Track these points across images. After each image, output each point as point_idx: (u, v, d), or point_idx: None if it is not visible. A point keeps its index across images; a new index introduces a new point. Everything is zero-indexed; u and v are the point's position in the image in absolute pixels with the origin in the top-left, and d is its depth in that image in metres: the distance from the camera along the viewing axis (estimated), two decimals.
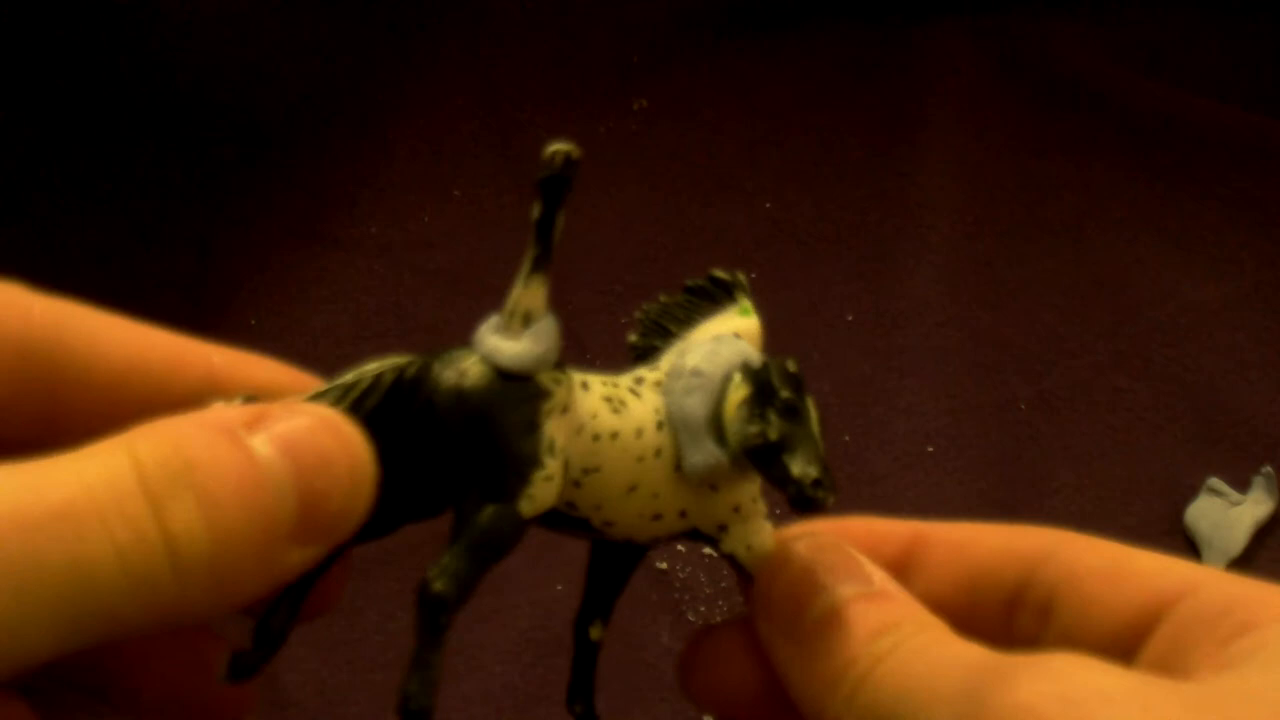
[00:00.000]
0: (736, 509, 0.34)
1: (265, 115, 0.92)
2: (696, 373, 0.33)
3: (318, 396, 0.29)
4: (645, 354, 0.35)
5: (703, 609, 0.61)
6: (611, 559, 0.35)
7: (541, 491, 0.31)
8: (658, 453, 0.33)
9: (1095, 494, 0.67)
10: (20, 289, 0.24)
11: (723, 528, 0.34)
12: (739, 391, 0.32)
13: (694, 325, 0.35)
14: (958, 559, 0.32)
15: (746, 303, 0.36)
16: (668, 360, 0.34)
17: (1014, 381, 0.74)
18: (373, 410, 0.30)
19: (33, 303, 0.25)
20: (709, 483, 0.33)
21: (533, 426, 0.31)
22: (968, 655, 0.28)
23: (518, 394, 0.30)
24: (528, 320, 0.31)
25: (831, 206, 0.90)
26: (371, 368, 0.30)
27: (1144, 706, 0.24)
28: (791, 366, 0.32)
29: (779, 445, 0.31)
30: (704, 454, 0.33)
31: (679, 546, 0.64)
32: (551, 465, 0.31)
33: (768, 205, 0.90)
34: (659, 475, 0.33)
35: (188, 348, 0.27)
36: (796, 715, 0.31)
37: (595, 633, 0.35)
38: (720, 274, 0.36)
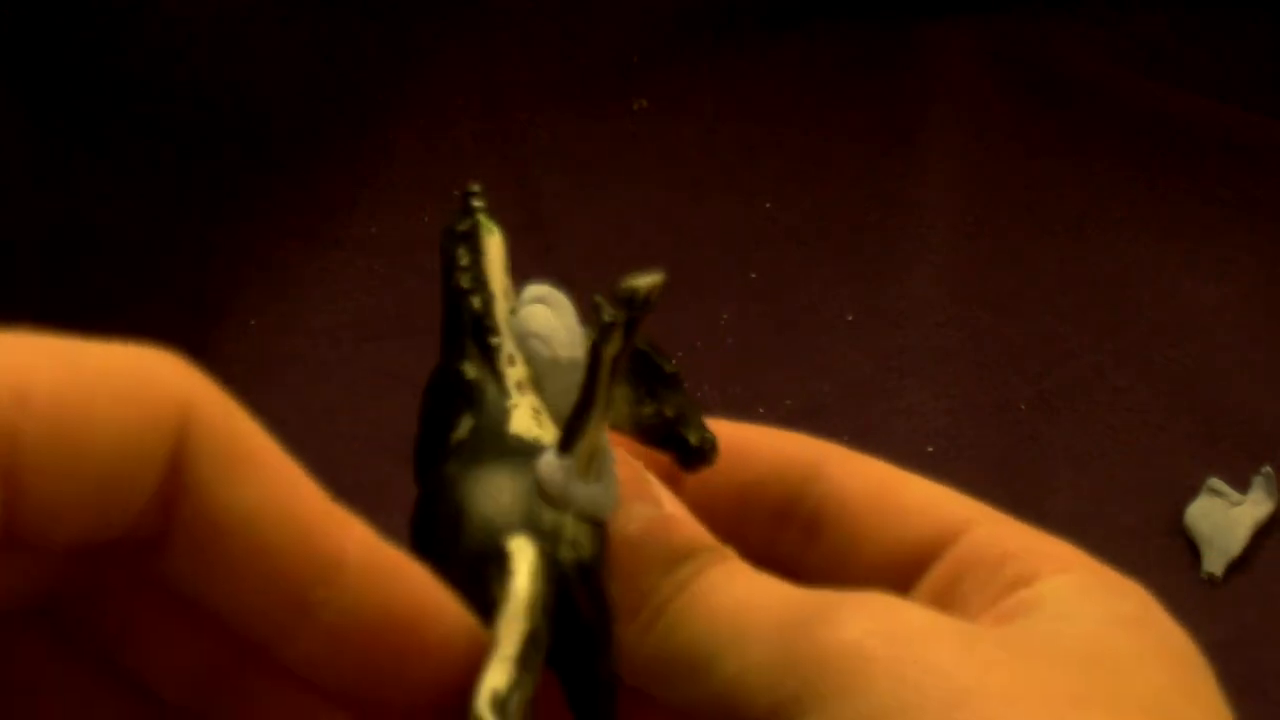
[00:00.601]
0: None
1: (265, 115, 0.92)
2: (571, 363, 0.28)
3: (514, 687, 0.23)
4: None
5: None
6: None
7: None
8: None
9: (1095, 494, 0.67)
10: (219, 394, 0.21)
11: None
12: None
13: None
14: (725, 467, 0.29)
15: (480, 217, 0.30)
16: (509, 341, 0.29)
17: (1014, 381, 0.74)
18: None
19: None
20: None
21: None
22: (776, 590, 0.26)
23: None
24: (592, 462, 0.26)
25: (831, 206, 0.90)
26: (523, 601, 0.24)
27: (967, 645, 0.24)
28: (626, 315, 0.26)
29: (675, 421, 0.28)
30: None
31: None
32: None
33: (767, 205, 0.90)
34: None
35: (331, 520, 0.23)
36: None
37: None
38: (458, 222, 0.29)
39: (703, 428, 0.28)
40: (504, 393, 0.28)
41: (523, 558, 0.25)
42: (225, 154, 0.89)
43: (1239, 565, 0.63)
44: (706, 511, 0.29)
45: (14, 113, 0.79)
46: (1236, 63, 1.02)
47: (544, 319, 0.28)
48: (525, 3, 1.08)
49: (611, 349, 0.25)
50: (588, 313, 0.28)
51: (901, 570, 0.29)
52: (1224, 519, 0.63)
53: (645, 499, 0.28)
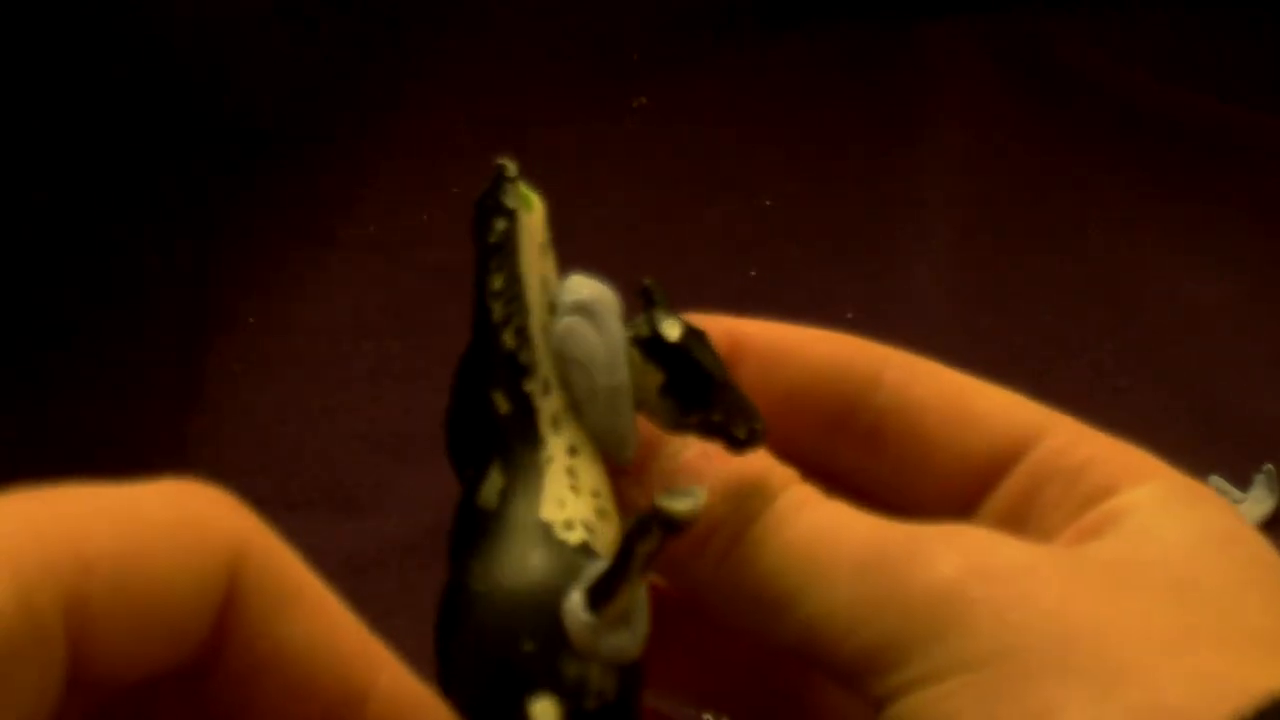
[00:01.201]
0: None
1: (265, 114, 0.92)
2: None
3: None
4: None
5: None
6: None
7: None
8: None
9: None
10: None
11: None
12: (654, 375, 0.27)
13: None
14: (776, 371, 0.28)
15: (522, 189, 0.28)
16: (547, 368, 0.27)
17: (1014, 381, 0.74)
18: None
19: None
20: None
21: None
22: (856, 523, 0.25)
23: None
24: (626, 615, 0.25)
25: (831, 206, 0.90)
26: None
27: (1068, 581, 0.23)
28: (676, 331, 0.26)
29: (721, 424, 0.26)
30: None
31: None
32: None
33: (768, 204, 0.90)
34: None
35: (367, 655, 0.23)
36: (782, 698, 0.29)
37: None
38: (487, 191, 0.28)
39: (751, 419, 0.26)
40: (538, 441, 0.26)
41: None
42: (225, 153, 0.89)
43: None
44: None
45: (14, 113, 0.79)
46: (1237, 62, 1.02)
47: (583, 343, 0.27)
48: (525, 2, 1.08)
49: (646, 548, 0.24)
50: (631, 305, 0.28)
51: (973, 482, 0.27)
52: None
53: None
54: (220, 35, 0.91)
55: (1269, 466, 0.65)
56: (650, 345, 0.26)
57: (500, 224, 0.27)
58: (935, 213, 0.88)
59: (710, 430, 0.26)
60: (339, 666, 0.22)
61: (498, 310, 0.27)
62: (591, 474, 0.26)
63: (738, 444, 0.26)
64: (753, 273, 0.83)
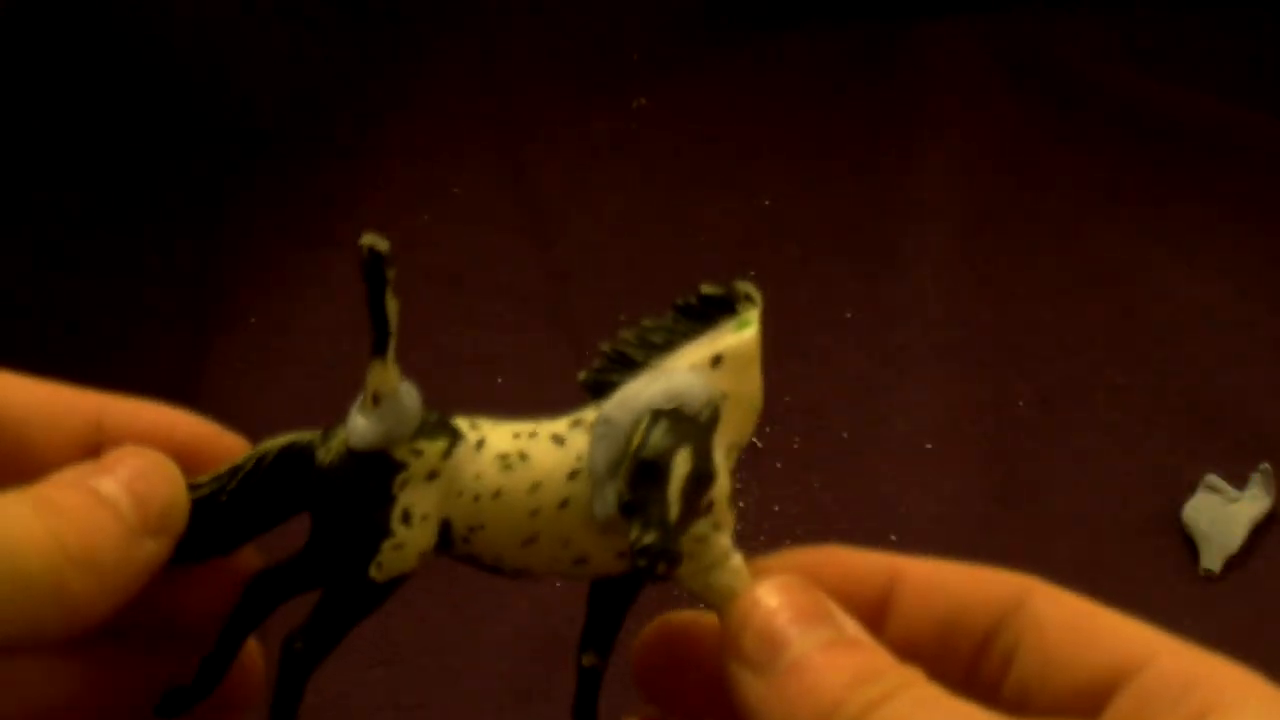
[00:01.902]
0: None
1: (265, 115, 0.92)
2: (605, 420, 0.33)
3: (214, 479, 0.34)
4: (599, 389, 0.34)
5: (703, 607, 0.61)
6: (605, 592, 0.35)
7: (390, 559, 0.33)
8: (563, 503, 0.33)
9: (1093, 491, 0.67)
10: None
11: None
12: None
13: (675, 349, 0.34)
14: (933, 601, 0.33)
15: (749, 314, 0.34)
16: (625, 391, 0.33)
17: (1013, 379, 0.74)
18: (255, 481, 0.34)
19: None
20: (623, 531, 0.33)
21: (385, 498, 0.33)
22: (970, 715, 0.28)
23: (367, 469, 0.33)
24: (377, 399, 0.34)
25: (831, 206, 0.90)
26: (270, 444, 0.34)
27: None
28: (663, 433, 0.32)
29: (627, 508, 0.32)
30: (602, 505, 0.33)
31: None
32: (403, 533, 0.33)
33: (767, 204, 0.90)
34: (568, 524, 0.33)
35: (78, 400, 0.35)
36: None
37: (587, 660, 0.35)
38: (710, 290, 0.34)
39: (649, 527, 0.32)
40: None
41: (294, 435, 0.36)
42: (225, 154, 0.89)
43: (1237, 562, 0.63)
44: (911, 639, 0.32)
45: (16, 113, 0.79)
46: (1237, 62, 1.02)
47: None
48: (525, 2, 1.08)
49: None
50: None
51: (1089, 697, 0.30)
52: (1222, 515, 0.63)
53: (827, 623, 0.30)
54: (220, 35, 0.91)
55: (1265, 465, 0.65)
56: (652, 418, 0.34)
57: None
58: (935, 212, 0.88)
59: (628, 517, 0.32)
60: (53, 406, 0.35)
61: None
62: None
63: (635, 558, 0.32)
64: (752, 273, 0.82)
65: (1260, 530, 0.64)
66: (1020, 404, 0.72)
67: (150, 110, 0.84)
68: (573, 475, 0.33)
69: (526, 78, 1.03)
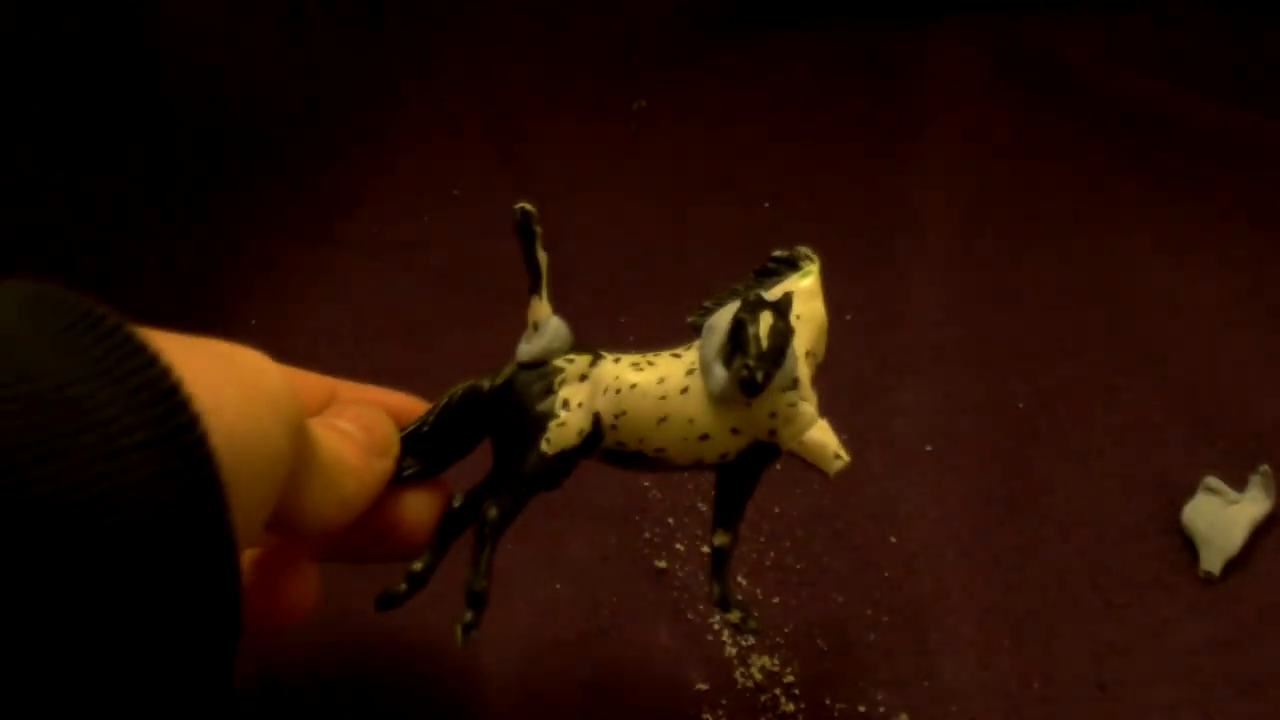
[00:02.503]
0: (773, 414, 0.44)
1: (266, 115, 0.93)
2: (709, 328, 0.45)
3: (418, 420, 0.47)
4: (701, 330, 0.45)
5: (701, 608, 0.61)
6: (729, 478, 0.46)
7: (557, 434, 0.45)
8: (684, 390, 0.44)
9: (1093, 492, 0.67)
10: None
11: (772, 432, 0.44)
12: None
13: (755, 293, 0.45)
14: None
15: (809, 265, 0.47)
16: (722, 311, 0.45)
17: (1012, 380, 0.74)
18: (448, 415, 0.47)
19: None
20: (738, 401, 0.44)
21: (548, 392, 0.45)
22: None
23: (533, 375, 0.46)
24: (536, 327, 0.46)
25: (831, 206, 0.90)
26: (455, 388, 0.47)
27: None
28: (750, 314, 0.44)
29: (731, 345, 0.44)
30: (713, 381, 0.44)
31: (678, 545, 0.64)
32: (564, 415, 0.45)
33: (766, 205, 0.90)
34: (691, 404, 0.44)
35: (320, 382, 0.47)
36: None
37: (718, 540, 0.46)
38: (780, 253, 0.48)
39: (752, 361, 0.43)
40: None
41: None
42: (225, 154, 0.89)
43: (1236, 564, 0.63)
44: None
45: (16, 113, 0.79)
46: (1237, 63, 1.02)
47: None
48: (525, 3, 1.08)
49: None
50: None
51: None
52: (1221, 518, 0.63)
53: None
54: (220, 35, 0.91)
55: (1265, 468, 0.65)
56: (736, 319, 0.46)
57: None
58: (935, 212, 0.88)
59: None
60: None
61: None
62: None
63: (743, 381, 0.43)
64: (752, 272, 0.83)
65: (1260, 532, 0.64)
66: (1019, 405, 0.73)
67: (150, 110, 0.84)
68: (690, 371, 0.44)
69: (527, 78, 1.03)
